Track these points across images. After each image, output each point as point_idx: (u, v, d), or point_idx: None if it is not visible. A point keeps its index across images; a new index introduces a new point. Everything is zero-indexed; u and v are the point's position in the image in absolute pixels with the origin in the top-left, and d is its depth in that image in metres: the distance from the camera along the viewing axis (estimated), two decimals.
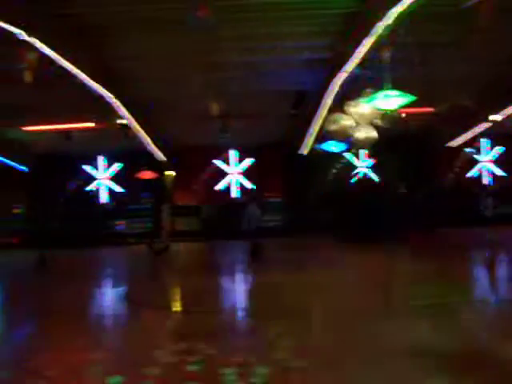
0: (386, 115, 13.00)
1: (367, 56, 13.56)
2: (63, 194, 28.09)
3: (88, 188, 29.53)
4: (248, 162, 29.57)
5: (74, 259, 20.76)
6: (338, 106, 14.58)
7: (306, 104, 18.82)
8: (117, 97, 17.09)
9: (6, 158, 25.95)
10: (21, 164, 27.08)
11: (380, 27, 11.82)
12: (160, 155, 26.15)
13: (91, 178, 29.65)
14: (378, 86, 12.21)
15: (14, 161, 26.53)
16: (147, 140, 23.07)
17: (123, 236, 27.24)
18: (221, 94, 16.76)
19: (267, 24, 13.36)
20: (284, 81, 17.52)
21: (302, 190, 28.03)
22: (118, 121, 18.85)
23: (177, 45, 14.09)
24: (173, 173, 28.50)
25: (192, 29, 11.71)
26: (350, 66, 14.41)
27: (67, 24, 12.56)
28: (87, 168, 29.54)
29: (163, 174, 28.06)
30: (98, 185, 29.70)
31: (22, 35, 11.38)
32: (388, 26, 11.77)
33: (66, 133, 21.86)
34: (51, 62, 12.78)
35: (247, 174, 29.65)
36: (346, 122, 12.94)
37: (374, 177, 29.31)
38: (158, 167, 27.18)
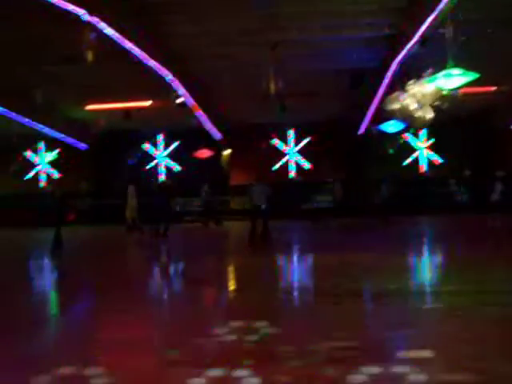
0: (447, 94, 12.63)
1: (429, 33, 13.20)
2: (122, 172, 28.63)
3: (146, 165, 30.03)
4: (305, 141, 29.41)
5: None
6: (398, 85, 14.26)
7: (365, 83, 18.51)
8: (175, 75, 17.21)
9: (68, 136, 26.65)
10: (82, 142, 27.75)
11: (445, 3, 11.47)
12: (217, 134, 26.28)
13: (150, 156, 30.14)
14: (440, 65, 11.89)
15: (76, 139, 27.22)
16: (204, 118, 23.21)
17: (180, 214, 27.52)
18: (279, 73, 16.64)
19: (327, 1, 13.16)
20: (343, 59, 17.27)
21: (358, 170, 27.74)
22: (176, 99, 18.97)
23: (236, 22, 14.03)
24: (229, 151, 28.60)
25: (252, 6, 11.64)
26: (412, 43, 14.07)
27: (127, 3, 12.69)
28: (146, 146, 30.03)
29: (220, 153, 28.21)
30: (157, 162, 30.18)
31: (85, 16, 11.57)
32: (452, 2, 11.41)
33: (125, 111, 22.26)
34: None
35: (304, 153, 29.51)
36: (405, 101, 12.63)
37: (435, 158, 28.74)
38: (215, 146, 27.33)
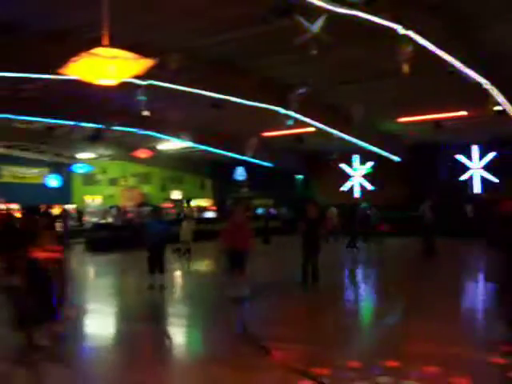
0: None
1: None
2: (435, 184, 28.23)
3: (461, 178, 29.13)
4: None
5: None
6: None
7: None
8: (493, 82, 16.37)
9: (380, 149, 27.29)
10: (394, 155, 28.13)
11: None
12: None
13: (464, 168, 29.17)
14: None
15: (387, 152, 27.71)
16: None
17: None
18: None
19: None
20: None
21: None
22: (494, 107, 18.03)
23: None
24: None
25: None
26: None
27: (440, 14, 12.49)
28: (459, 157, 29.15)
29: None
30: (471, 175, 29.07)
31: (399, 29, 11.75)
32: None
33: (437, 122, 22.03)
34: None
35: None
36: None
37: None
38: None
